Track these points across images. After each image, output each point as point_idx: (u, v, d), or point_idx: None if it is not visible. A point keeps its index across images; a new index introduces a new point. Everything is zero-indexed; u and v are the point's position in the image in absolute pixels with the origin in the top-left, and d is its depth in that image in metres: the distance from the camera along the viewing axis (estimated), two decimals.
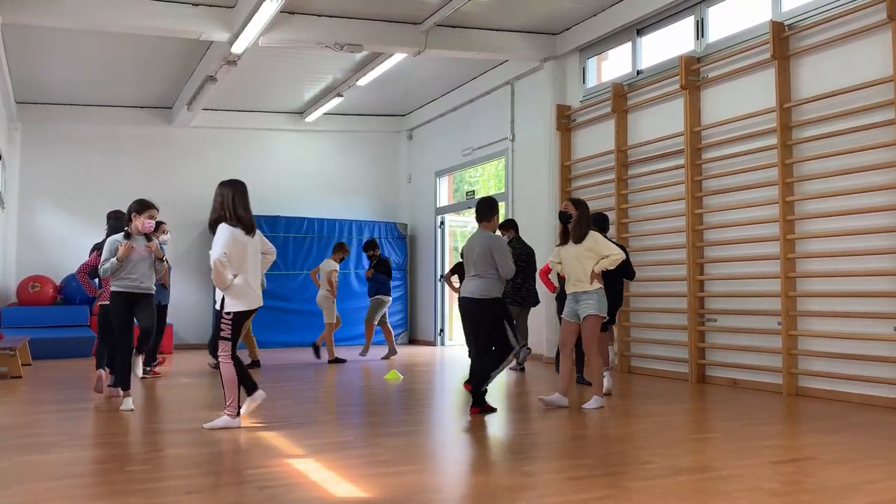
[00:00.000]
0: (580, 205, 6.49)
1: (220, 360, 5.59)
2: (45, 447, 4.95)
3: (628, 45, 9.43)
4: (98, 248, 7.17)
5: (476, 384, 6.16)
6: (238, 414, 5.52)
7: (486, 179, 13.93)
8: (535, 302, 9.07)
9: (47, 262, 12.11)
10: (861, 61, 6.70)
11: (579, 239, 6.37)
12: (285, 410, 6.40)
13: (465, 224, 14.97)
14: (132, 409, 6.23)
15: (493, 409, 6.15)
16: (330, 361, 10.22)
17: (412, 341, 13.92)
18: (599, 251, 6.34)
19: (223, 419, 5.50)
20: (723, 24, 8.23)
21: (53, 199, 12.52)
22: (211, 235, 5.59)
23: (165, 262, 7.13)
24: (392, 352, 10.86)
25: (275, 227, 13.05)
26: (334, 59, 10.68)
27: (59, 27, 8.94)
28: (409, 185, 14.57)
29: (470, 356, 6.70)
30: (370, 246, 11.01)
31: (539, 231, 10.12)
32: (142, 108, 12.95)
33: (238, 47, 9.06)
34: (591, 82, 10.13)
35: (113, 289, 6.54)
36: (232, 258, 5.41)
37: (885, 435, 5.36)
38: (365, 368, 9.79)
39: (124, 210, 6.76)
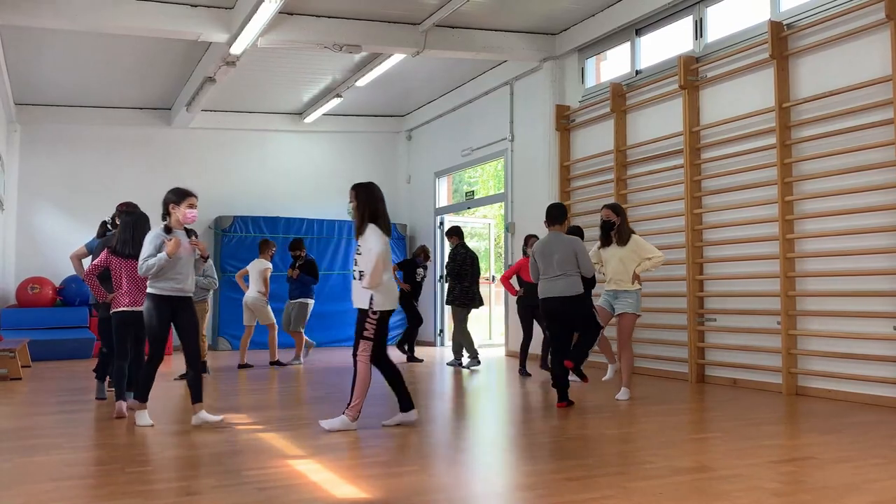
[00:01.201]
0: (620, 211, 7.07)
1: (358, 359, 5.45)
2: (45, 449, 4.95)
3: (627, 45, 9.43)
4: (110, 247, 6.15)
5: (578, 361, 6.59)
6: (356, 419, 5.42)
7: (486, 180, 13.94)
8: (480, 303, 9.89)
9: (46, 263, 12.10)
10: (860, 61, 6.71)
11: (624, 241, 6.96)
12: (285, 411, 6.40)
13: (464, 224, 14.95)
14: (151, 424, 5.61)
15: (572, 403, 6.51)
16: (240, 366, 9.56)
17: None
18: (641, 253, 6.95)
19: (341, 420, 5.39)
20: (721, 23, 8.23)
21: (52, 201, 12.52)
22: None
23: (209, 261, 6.49)
24: (297, 359, 10.22)
25: (274, 227, 13.06)
26: (333, 60, 10.68)
27: (57, 29, 8.93)
28: (408, 186, 14.57)
29: (551, 356, 6.79)
30: (295, 245, 10.35)
31: (539, 231, 10.08)
32: (141, 109, 12.95)
33: (237, 48, 9.06)
34: (590, 82, 10.13)
35: (152, 291, 5.58)
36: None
37: (886, 434, 5.36)
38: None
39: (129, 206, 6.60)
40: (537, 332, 8.80)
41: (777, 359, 7.27)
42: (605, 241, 7.07)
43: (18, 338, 10.20)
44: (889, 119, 6.40)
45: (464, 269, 9.72)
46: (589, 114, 9.92)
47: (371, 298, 5.43)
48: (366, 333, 5.45)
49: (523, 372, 8.81)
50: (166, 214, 5.68)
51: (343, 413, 5.45)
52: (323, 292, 12.99)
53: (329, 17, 9.21)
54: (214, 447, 4.99)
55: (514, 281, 9.08)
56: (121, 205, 6.79)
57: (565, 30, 10.01)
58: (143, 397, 5.69)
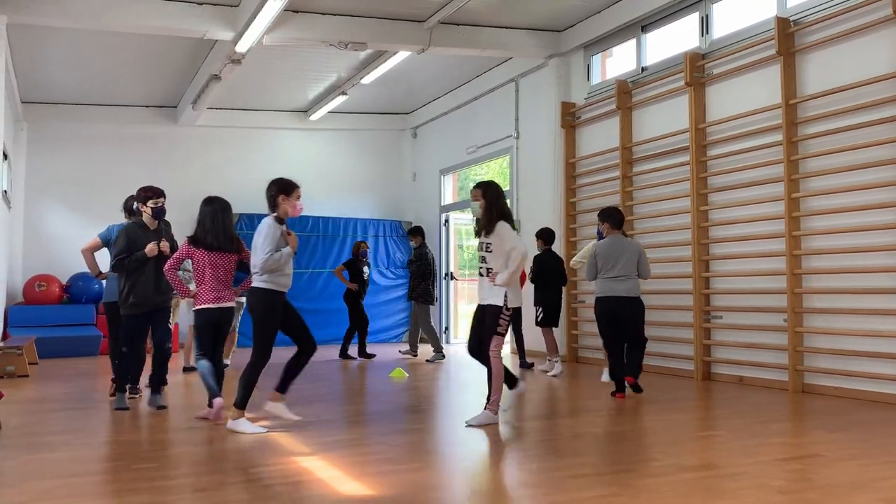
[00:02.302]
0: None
1: (492, 356, 5.53)
2: (52, 445, 4.97)
3: (633, 41, 9.41)
4: (192, 237, 5.73)
5: (636, 374, 6.85)
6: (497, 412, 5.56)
7: (491, 177, 13.92)
8: (435, 301, 10.71)
9: (53, 261, 12.13)
10: (867, 57, 6.68)
11: None
12: (291, 408, 6.41)
13: (469, 222, 14.95)
14: (265, 430, 5.29)
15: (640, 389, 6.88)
16: (185, 369, 9.09)
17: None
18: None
19: (486, 415, 5.50)
20: (727, 20, 8.21)
21: (59, 199, 12.55)
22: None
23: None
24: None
25: None
26: (338, 58, 10.68)
27: (63, 27, 8.96)
28: (413, 183, 14.57)
29: (614, 355, 6.95)
30: None
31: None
32: (147, 107, 12.97)
33: (242, 46, 9.07)
34: (596, 79, 10.11)
35: (268, 286, 5.30)
36: None
37: (893, 432, 5.35)
38: (360, 367, 9.80)
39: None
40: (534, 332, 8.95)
41: (783, 356, 7.25)
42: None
43: (25, 335, 10.24)
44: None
45: (429, 268, 10.40)
46: (594, 111, 9.90)
47: (506, 295, 5.50)
48: (499, 330, 5.55)
49: (525, 364, 9.18)
50: (274, 206, 5.40)
51: (485, 409, 5.55)
52: (327, 291, 13.03)
53: (334, 15, 9.21)
54: (221, 444, 5.00)
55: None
56: (144, 189, 6.40)
57: (571, 26, 9.99)
58: (243, 404, 5.32)
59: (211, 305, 5.69)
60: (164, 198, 6.39)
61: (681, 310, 8.40)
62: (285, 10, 8.43)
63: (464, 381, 8.64)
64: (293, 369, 5.52)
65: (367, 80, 11.33)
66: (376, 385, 8.20)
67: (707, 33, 8.35)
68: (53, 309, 11.55)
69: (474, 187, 5.71)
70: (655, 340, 8.71)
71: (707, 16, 8.35)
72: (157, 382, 6.43)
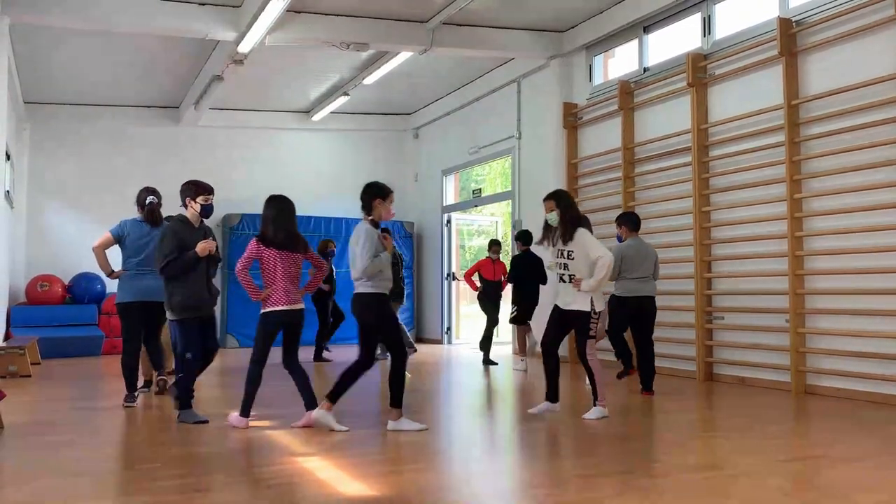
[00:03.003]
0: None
1: (590, 359, 5.80)
2: (54, 445, 4.97)
3: (635, 42, 9.40)
4: (261, 237, 5.47)
5: (651, 378, 7.06)
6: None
7: (493, 178, 13.93)
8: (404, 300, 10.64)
9: (56, 261, 12.14)
10: (869, 57, 6.67)
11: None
12: (292, 409, 6.41)
13: (471, 222, 14.97)
14: (424, 428, 5.31)
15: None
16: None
17: (419, 340, 13.92)
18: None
19: (598, 410, 5.76)
20: (730, 20, 8.20)
21: (62, 199, 12.57)
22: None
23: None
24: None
25: None
26: (340, 58, 10.68)
27: (66, 27, 8.97)
28: (415, 184, 14.57)
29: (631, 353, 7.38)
30: None
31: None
32: (149, 107, 12.98)
33: (244, 46, 9.08)
34: (598, 80, 10.11)
35: (374, 290, 5.29)
36: None
37: (895, 433, 5.34)
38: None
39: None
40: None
41: (786, 357, 7.24)
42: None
43: (28, 335, 10.25)
44: None
45: (397, 266, 10.04)
46: (597, 111, 9.89)
47: (592, 300, 5.73)
48: (591, 333, 5.82)
49: (489, 362, 9.59)
50: (369, 210, 5.42)
51: (595, 405, 5.81)
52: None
53: (336, 16, 9.21)
54: (223, 444, 5.01)
55: (474, 277, 10.03)
56: (194, 184, 5.90)
57: (573, 27, 9.99)
58: (398, 403, 5.33)
59: (283, 308, 5.41)
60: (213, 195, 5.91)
61: (683, 310, 8.40)
62: (287, 11, 8.44)
63: (465, 382, 8.64)
64: (353, 380, 5.41)
65: (369, 80, 11.34)
66: (377, 385, 8.20)
67: (709, 34, 8.35)
68: (56, 309, 11.56)
69: (546, 198, 5.95)
70: (658, 341, 8.69)
71: (709, 16, 8.34)
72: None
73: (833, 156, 6.93)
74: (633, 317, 7.18)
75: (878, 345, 6.53)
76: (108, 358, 10.84)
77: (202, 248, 5.61)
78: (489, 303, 9.83)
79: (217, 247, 5.85)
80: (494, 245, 10.11)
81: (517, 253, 9.34)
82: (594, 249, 5.68)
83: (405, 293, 10.52)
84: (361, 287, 5.28)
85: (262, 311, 5.43)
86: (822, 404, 6.52)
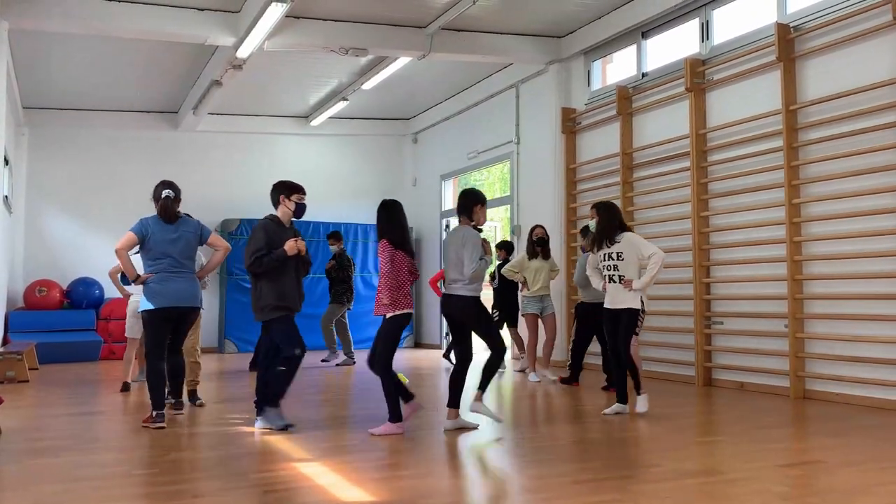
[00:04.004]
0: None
1: (631, 351, 6.14)
2: (52, 451, 4.96)
3: (633, 47, 9.42)
4: (393, 240, 5.49)
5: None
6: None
7: (492, 182, 13.94)
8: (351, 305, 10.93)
9: (54, 266, 12.14)
10: (867, 63, 6.69)
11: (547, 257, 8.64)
12: (290, 414, 6.40)
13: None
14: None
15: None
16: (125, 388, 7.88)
17: (417, 345, 13.92)
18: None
19: (644, 399, 6.24)
20: (728, 26, 8.22)
21: (60, 204, 12.56)
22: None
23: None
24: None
25: None
26: (339, 63, 10.70)
27: (65, 32, 8.98)
28: (414, 189, 14.57)
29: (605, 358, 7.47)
30: None
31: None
32: (148, 112, 12.99)
33: (243, 52, 9.09)
34: (596, 85, 10.12)
35: (474, 294, 5.55)
36: None
37: (894, 438, 5.34)
38: (359, 371, 9.77)
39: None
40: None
41: (784, 362, 7.24)
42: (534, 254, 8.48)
43: (26, 340, 10.23)
44: None
45: (349, 271, 10.66)
46: (595, 116, 9.91)
47: (642, 298, 6.18)
48: (637, 330, 6.20)
49: (449, 358, 9.75)
50: (470, 215, 5.62)
51: (640, 395, 6.27)
52: (328, 296, 13.00)
53: (335, 21, 9.23)
54: (221, 450, 5.00)
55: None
56: (288, 184, 5.83)
57: (571, 32, 10.01)
58: (484, 387, 5.70)
59: (411, 311, 5.53)
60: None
61: (682, 315, 8.40)
62: (286, 16, 8.45)
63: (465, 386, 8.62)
64: (463, 379, 5.66)
65: (368, 85, 11.35)
66: (376, 390, 8.18)
67: (707, 39, 8.37)
68: (54, 314, 11.55)
69: (594, 206, 6.53)
70: (657, 346, 8.72)
71: (707, 22, 8.37)
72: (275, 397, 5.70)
73: (831, 161, 6.94)
74: (599, 323, 7.00)
75: (877, 350, 6.52)
76: (106, 363, 10.84)
77: (291, 246, 5.58)
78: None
79: (306, 249, 5.76)
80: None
81: (499, 262, 9.45)
82: (646, 248, 6.21)
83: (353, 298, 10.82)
84: (461, 290, 5.51)
85: (392, 314, 5.43)
86: (821, 409, 6.52)
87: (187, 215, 6.07)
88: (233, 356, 12.02)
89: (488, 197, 13.46)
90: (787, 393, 7.14)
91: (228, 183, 13.20)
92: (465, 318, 5.59)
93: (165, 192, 5.94)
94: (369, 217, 14.05)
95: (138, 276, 5.85)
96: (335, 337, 10.70)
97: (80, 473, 4.40)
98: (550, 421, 6.12)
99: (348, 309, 10.69)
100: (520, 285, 8.77)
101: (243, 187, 13.23)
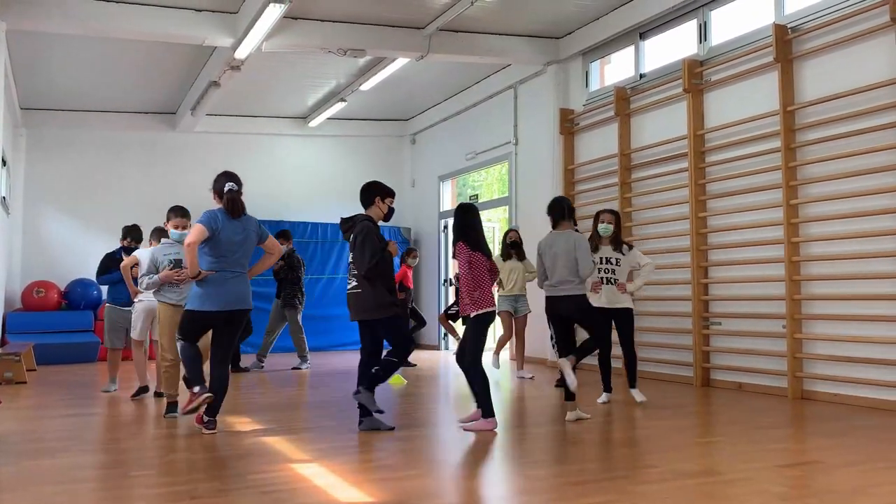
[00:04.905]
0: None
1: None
2: (50, 452, 4.96)
3: (631, 48, 9.43)
4: (475, 243, 5.71)
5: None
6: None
7: (490, 183, 13.93)
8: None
9: (52, 267, 12.12)
10: (865, 63, 6.69)
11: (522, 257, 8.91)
12: (288, 415, 6.40)
13: None
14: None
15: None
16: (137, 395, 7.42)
17: (416, 346, 13.90)
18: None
19: (639, 392, 6.83)
20: (726, 27, 8.23)
21: (58, 205, 12.55)
22: None
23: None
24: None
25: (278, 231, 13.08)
26: (337, 64, 10.70)
27: (63, 33, 8.97)
28: (412, 190, 14.57)
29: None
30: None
31: (543, 235, 10.08)
32: (146, 113, 12.98)
33: (241, 53, 9.09)
34: (595, 86, 10.13)
35: (584, 292, 6.07)
36: None
37: (892, 438, 5.34)
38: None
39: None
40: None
41: (782, 363, 7.24)
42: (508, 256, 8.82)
43: (24, 341, 10.22)
44: (894, 122, 6.39)
45: (299, 272, 10.25)
46: (593, 117, 9.91)
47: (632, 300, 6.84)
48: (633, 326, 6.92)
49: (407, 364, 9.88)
50: (574, 220, 6.31)
51: (635, 388, 6.89)
52: (327, 296, 13.03)
53: (333, 22, 9.23)
54: (219, 451, 4.99)
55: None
56: (384, 186, 5.85)
57: (569, 33, 10.01)
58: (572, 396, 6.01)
59: (493, 308, 5.75)
60: None
61: (680, 316, 8.40)
62: (284, 17, 8.45)
63: (461, 388, 8.62)
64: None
65: (366, 86, 11.35)
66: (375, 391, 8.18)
67: (705, 40, 8.37)
68: (52, 315, 11.54)
69: (610, 212, 7.06)
70: (655, 347, 8.72)
71: (705, 23, 8.37)
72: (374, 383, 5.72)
73: (829, 161, 6.94)
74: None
75: (875, 350, 6.53)
76: (104, 364, 10.80)
77: (394, 248, 5.72)
78: (410, 309, 10.47)
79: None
80: (413, 252, 10.83)
81: None
82: (641, 258, 6.98)
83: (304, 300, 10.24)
84: (575, 290, 5.95)
85: (476, 313, 5.60)
86: (820, 409, 6.52)
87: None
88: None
89: (486, 197, 13.55)
90: (786, 393, 7.14)
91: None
92: (581, 314, 6.01)
93: (229, 185, 5.51)
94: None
95: (200, 271, 5.39)
96: (305, 344, 10.17)
97: (79, 474, 4.40)
98: (547, 421, 6.12)
99: (299, 312, 10.09)
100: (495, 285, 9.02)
101: (242, 188, 13.20)
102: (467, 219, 5.80)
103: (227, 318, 5.50)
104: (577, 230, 6.23)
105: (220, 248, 5.41)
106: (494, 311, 5.75)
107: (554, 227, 6.17)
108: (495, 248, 9.65)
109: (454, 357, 5.95)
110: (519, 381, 8.63)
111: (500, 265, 8.75)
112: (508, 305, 8.82)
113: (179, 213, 6.54)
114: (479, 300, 5.58)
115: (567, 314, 5.99)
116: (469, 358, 5.65)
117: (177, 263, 6.20)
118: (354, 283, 5.59)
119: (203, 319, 5.49)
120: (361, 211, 5.79)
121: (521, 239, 8.97)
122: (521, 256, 8.82)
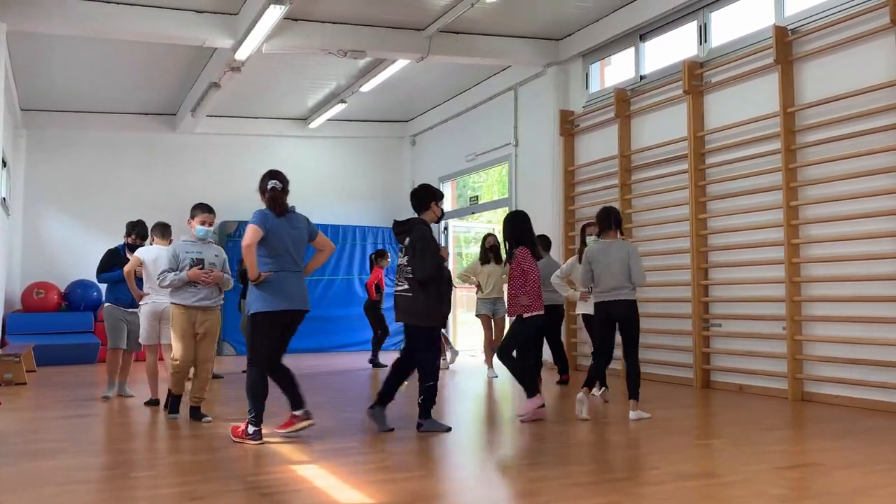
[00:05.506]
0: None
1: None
2: (50, 453, 4.95)
3: (631, 50, 9.43)
4: (533, 250, 6.11)
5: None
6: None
7: (490, 185, 13.94)
8: None
9: (52, 268, 12.13)
10: (864, 65, 6.70)
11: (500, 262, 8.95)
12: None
13: (468, 229, 14.96)
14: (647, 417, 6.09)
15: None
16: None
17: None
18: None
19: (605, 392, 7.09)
20: (726, 28, 8.23)
21: (58, 206, 12.55)
22: None
23: None
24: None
25: None
26: (338, 66, 10.70)
27: (63, 34, 8.98)
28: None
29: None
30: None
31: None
32: (146, 114, 12.98)
33: (242, 54, 9.09)
34: (595, 87, 10.13)
35: (636, 297, 6.34)
36: None
37: (892, 440, 5.34)
38: (374, 374, 9.77)
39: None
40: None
41: (783, 364, 7.24)
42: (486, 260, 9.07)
43: (24, 342, 10.22)
44: (894, 123, 6.39)
45: None
46: (593, 119, 9.91)
47: None
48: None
49: (376, 363, 10.40)
50: (621, 228, 6.37)
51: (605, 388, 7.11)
52: (327, 297, 13.03)
53: (333, 23, 9.23)
54: (219, 452, 4.99)
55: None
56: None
57: (569, 35, 10.02)
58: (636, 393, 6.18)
59: (542, 312, 6.07)
60: None
61: (680, 318, 8.40)
62: (285, 18, 8.45)
63: (461, 389, 8.62)
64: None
65: (367, 87, 11.35)
66: (375, 392, 8.17)
67: (705, 42, 8.38)
68: (52, 316, 11.54)
69: (592, 224, 7.01)
70: (655, 348, 8.72)
71: (705, 24, 8.38)
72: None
73: (829, 163, 6.94)
74: (550, 323, 7.75)
75: (875, 352, 6.53)
76: (103, 366, 10.78)
77: (445, 253, 5.80)
78: (379, 311, 10.77)
79: None
80: (384, 253, 11.19)
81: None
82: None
83: None
84: (629, 295, 6.18)
85: (530, 314, 6.02)
86: (820, 411, 6.52)
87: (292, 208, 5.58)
88: (231, 358, 12.00)
89: (487, 199, 13.55)
90: (786, 395, 7.14)
91: (227, 185, 13.17)
92: (633, 317, 6.22)
93: (272, 183, 5.43)
94: (368, 219, 14.18)
95: (261, 273, 5.22)
96: None
97: (79, 476, 4.39)
98: (547, 423, 6.11)
99: None
100: (475, 288, 9.36)
101: (241, 189, 13.11)
102: (527, 225, 6.21)
103: (292, 319, 5.38)
104: (624, 239, 6.51)
105: (274, 247, 5.29)
106: (542, 316, 6.10)
107: (599, 235, 6.43)
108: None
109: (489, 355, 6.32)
110: (487, 375, 8.68)
111: (479, 270, 9.15)
112: (487, 308, 9.06)
113: (206, 209, 6.18)
114: (535, 304, 6.00)
115: (620, 316, 6.21)
116: (505, 350, 6.07)
117: (198, 262, 5.96)
118: (405, 286, 5.63)
119: (279, 319, 5.29)
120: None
121: (498, 243, 9.07)
122: (499, 261, 8.92)
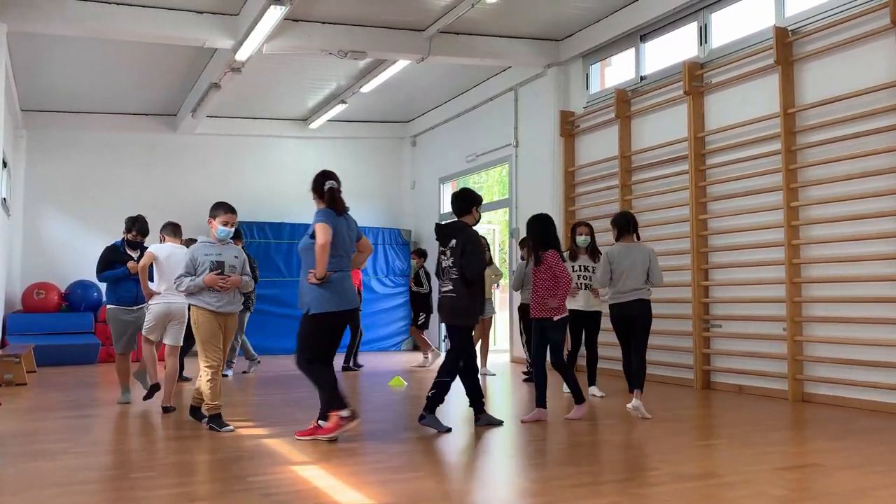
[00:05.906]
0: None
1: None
2: (50, 454, 4.96)
3: (631, 50, 9.44)
4: (560, 253, 6.23)
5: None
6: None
7: (490, 185, 13.95)
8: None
9: (52, 268, 12.12)
10: (865, 66, 6.70)
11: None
12: (290, 417, 6.40)
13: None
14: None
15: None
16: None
17: (416, 347, 13.90)
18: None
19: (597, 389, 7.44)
20: (726, 29, 8.24)
21: (58, 206, 12.55)
22: None
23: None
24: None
25: (279, 233, 13.08)
26: (338, 66, 10.71)
27: (64, 35, 8.98)
28: (412, 192, 14.58)
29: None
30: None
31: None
32: (146, 115, 12.98)
33: (242, 55, 9.09)
34: (595, 88, 10.14)
35: (651, 297, 6.71)
36: None
37: (892, 441, 5.34)
38: (357, 375, 9.77)
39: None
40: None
41: (783, 365, 7.24)
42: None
43: (24, 343, 10.22)
44: (894, 124, 6.40)
45: (255, 275, 9.44)
46: (593, 120, 9.92)
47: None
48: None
49: (356, 366, 10.34)
50: (638, 231, 6.77)
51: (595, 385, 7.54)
52: None
53: (334, 24, 9.23)
54: (219, 453, 4.99)
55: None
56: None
57: (570, 36, 10.02)
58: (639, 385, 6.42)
59: (567, 314, 6.24)
60: None
61: (680, 318, 8.40)
62: (285, 19, 8.46)
63: (461, 389, 8.61)
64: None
65: (367, 88, 11.36)
66: (375, 394, 8.19)
67: (706, 42, 8.38)
68: (52, 317, 11.53)
69: (586, 224, 7.73)
70: (655, 349, 8.70)
71: (706, 25, 8.38)
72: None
73: (829, 164, 6.95)
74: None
75: (875, 353, 6.53)
76: (104, 366, 10.81)
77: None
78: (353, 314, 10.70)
79: None
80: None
81: (418, 269, 10.79)
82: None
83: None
84: (647, 294, 6.57)
85: (559, 317, 6.11)
86: (820, 412, 6.52)
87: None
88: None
89: (487, 200, 13.56)
90: (786, 396, 7.14)
91: (227, 186, 13.15)
92: (649, 316, 6.58)
93: (329, 184, 5.39)
94: (368, 219, 14.16)
95: (326, 273, 5.21)
96: (249, 345, 9.90)
97: (79, 476, 4.39)
98: (548, 424, 6.11)
99: (251, 313, 9.72)
100: None
101: (242, 190, 13.20)
102: (553, 229, 6.31)
103: (348, 318, 5.54)
104: (641, 242, 6.84)
105: (336, 247, 5.27)
106: (568, 315, 6.26)
107: (617, 238, 6.71)
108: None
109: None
110: (520, 383, 8.63)
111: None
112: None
113: (229, 209, 5.92)
114: (562, 306, 6.11)
115: (638, 314, 6.53)
116: (559, 361, 6.18)
117: (218, 264, 5.73)
118: (450, 287, 5.78)
119: (331, 323, 5.33)
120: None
121: (489, 245, 9.16)
122: (490, 262, 8.97)
